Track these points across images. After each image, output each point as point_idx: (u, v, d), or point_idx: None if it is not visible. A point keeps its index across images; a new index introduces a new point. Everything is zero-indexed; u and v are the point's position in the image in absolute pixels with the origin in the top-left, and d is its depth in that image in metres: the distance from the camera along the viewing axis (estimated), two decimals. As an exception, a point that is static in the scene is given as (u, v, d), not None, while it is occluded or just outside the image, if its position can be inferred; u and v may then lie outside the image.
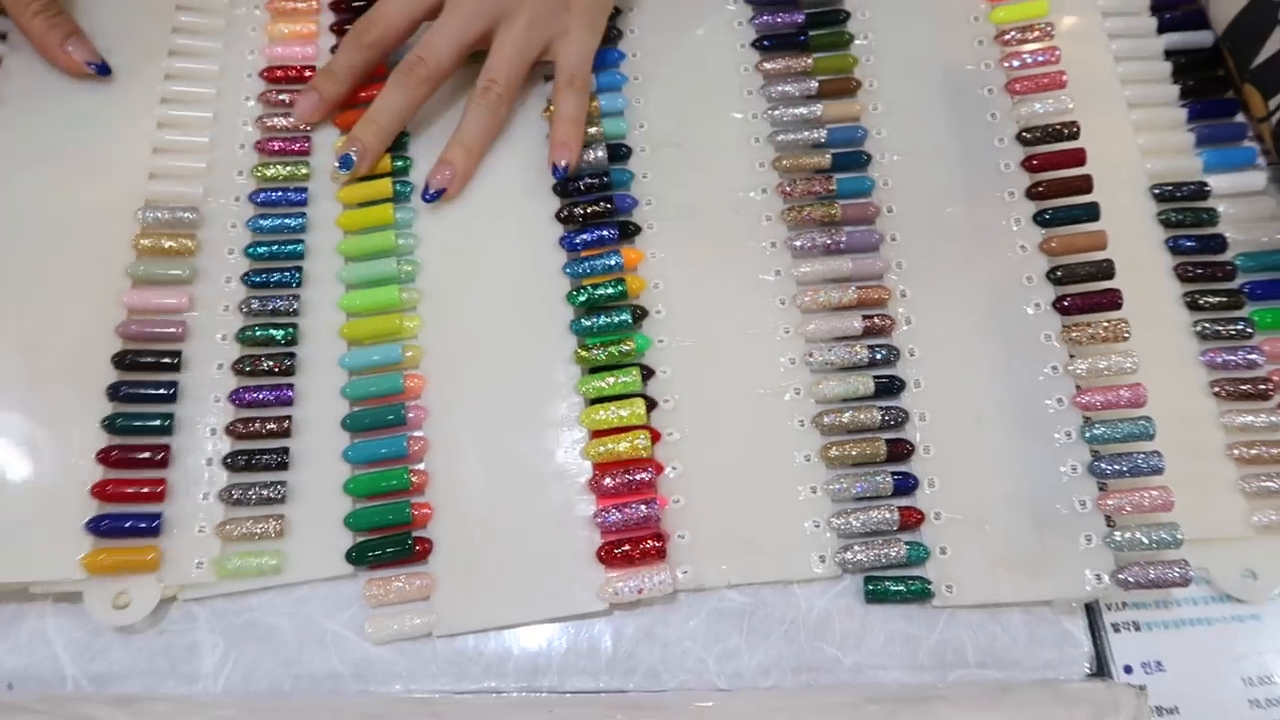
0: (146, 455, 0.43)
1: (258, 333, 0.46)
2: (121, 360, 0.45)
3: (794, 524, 0.43)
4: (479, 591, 0.42)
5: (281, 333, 0.46)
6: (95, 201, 0.48)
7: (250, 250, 0.48)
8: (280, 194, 0.49)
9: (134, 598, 0.42)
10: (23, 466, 0.43)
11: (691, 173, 0.49)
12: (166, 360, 0.45)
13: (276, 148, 0.50)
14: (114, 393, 0.44)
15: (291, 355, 0.45)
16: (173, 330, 0.46)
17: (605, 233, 0.47)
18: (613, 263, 0.46)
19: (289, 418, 0.44)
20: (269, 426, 0.44)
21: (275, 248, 0.48)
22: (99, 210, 0.48)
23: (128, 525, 0.42)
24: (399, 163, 0.49)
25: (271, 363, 0.45)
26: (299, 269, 0.47)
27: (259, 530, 0.42)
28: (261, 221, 0.48)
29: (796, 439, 0.44)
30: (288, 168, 0.49)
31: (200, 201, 0.48)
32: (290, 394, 0.45)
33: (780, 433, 0.44)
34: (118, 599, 0.42)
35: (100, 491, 0.43)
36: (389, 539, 0.42)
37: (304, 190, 0.49)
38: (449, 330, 0.46)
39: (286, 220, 0.48)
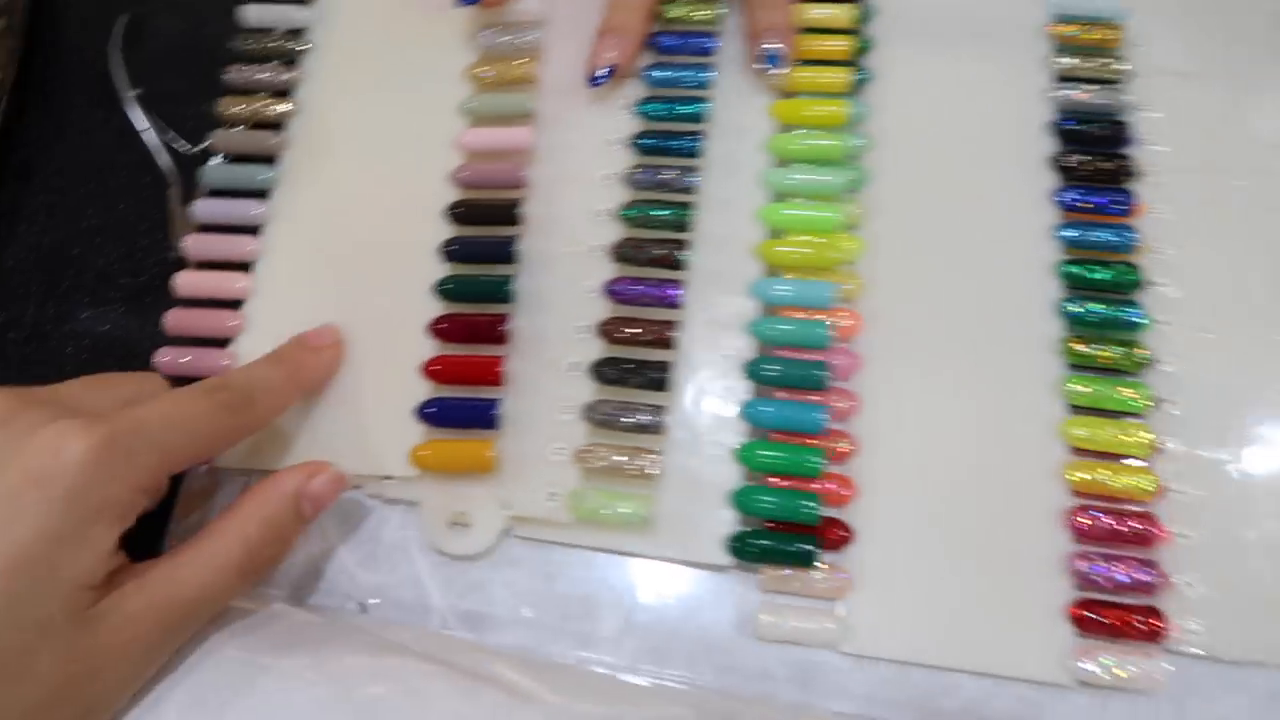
0: (483, 328, 0.34)
1: (648, 211, 0.35)
2: (458, 213, 0.36)
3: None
4: (905, 611, 0.31)
5: (671, 212, 0.35)
6: (425, 34, 0.39)
7: (642, 107, 0.37)
8: (684, 40, 0.38)
9: (475, 520, 0.32)
10: (359, 347, 0.35)
11: (1207, 114, 0.36)
12: (506, 211, 0.36)
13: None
14: (449, 251, 0.35)
15: (680, 245, 0.35)
16: (517, 174, 0.36)
17: (1115, 199, 0.35)
18: (1122, 238, 0.34)
19: (673, 324, 0.34)
20: (650, 333, 0.34)
21: (673, 106, 0.37)
22: (431, 42, 0.39)
23: (461, 413, 0.33)
24: (861, 44, 0.38)
25: (658, 250, 0.34)
26: (698, 135, 0.36)
27: (629, 466, 0.32)
28: (656, 73, 0.37)
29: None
30: (697, 7, 0.38)
31: (545, 16, 0.38)
32: (676, 294, 0.34)
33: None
34: (456, 517, 0.33)
35: (432, 370, 0.34)
36: (786, 539, 0.32)
37: (713, 38, 0.38)
38: (897, 265, 0.35)
39: (690, 73, 0.37)
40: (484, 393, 0.33)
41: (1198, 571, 0.31)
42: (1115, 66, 0.37)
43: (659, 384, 0.33)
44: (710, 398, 0.34)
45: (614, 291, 0.34)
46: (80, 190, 0.40)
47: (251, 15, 0.40)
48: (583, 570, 0.32)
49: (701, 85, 0.37)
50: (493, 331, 0.34)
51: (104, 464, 0.25)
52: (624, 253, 0.35)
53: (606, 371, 0.33)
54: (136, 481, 0.26)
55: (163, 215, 0.39)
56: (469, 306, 0.35)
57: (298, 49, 0.39)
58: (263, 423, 0.31)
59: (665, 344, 0.33)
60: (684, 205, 0.35)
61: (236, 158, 0.39)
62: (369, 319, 0.35)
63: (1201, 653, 0.30)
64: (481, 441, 0.33)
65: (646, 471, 0.32)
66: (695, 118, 0.36)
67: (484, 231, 0.35)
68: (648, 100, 0.37)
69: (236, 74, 0.39)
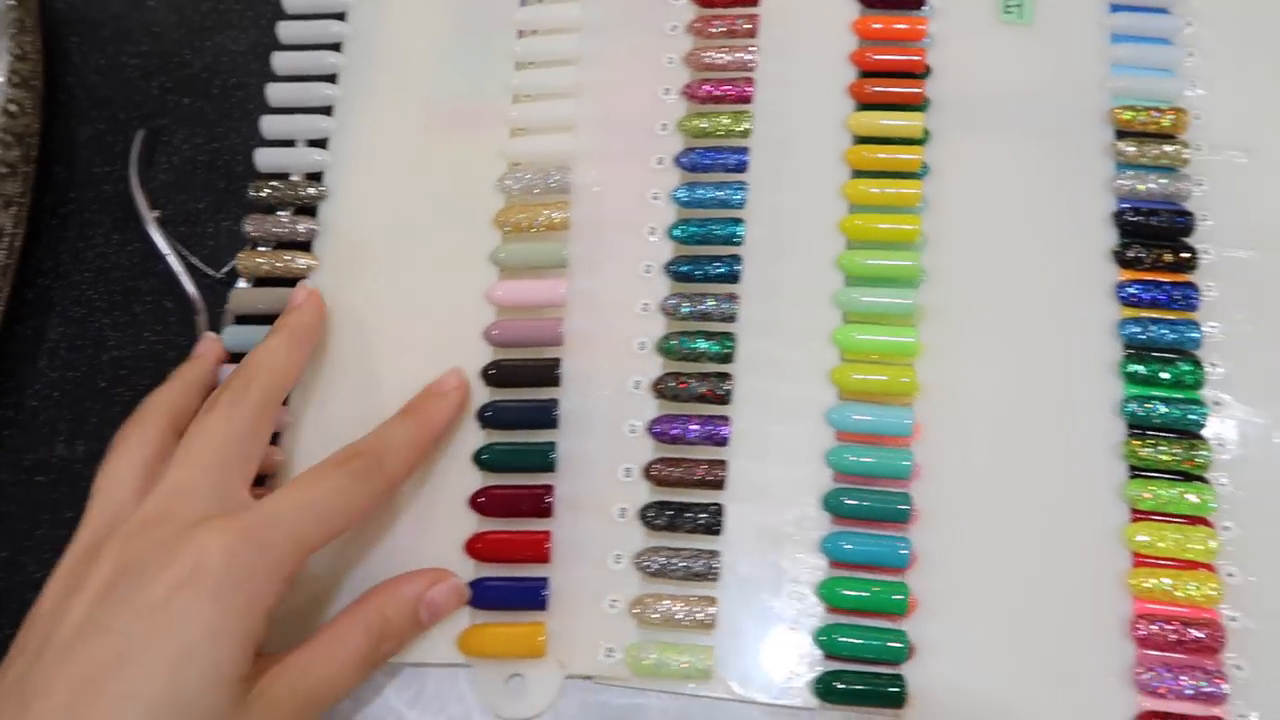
0: (526, 502, 0.33)
1: (685, 344, 0.35)
2: (493, 375, 0.35)
3: None
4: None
5: (714, 345, 0.34)
6: (456, 169, 0.38)
7: (675, 231, 0.36)
8: (713, 155, 0.37)
9: (529, 680, 0.32)
10: (395, 519, 0.34)
11: (1261, 191, 0.36)
12: (545, 372, 0.35)
13: (707, 92, 0.38)
14: (485, 418, 0.34)
15: (726, 377, 0.34)
16: (555, 331, 0.35)
17: (1181, 294, 0.34)
18: (1188, 336, 0.34)
19: (723, 464, 0.33)
20: (698, 474, 0.33)
21: (707, 228, 0.36)
22: (461, 180, 0.38)
23: (511, 594, 0.33)
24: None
25: (703, 387, 0.34)
26: (736, 260, 0.36)
27: (686, 616, 0.32)
28: (689, 192, 0.37)
29: None
30: (724, 120, 0.37)
31: (572, 159, 0.37)
32: (725, 431, 0.34)
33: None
34: (510, 680, 0.32)
35: (474, 548, 0.33)
36: (871, 678, 0.31)
37: (743, 152, 0.37)
38: (954, 365, 0.34)
39: (721, 193, 0.37)
40: (531, 569, 0.33)
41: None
42: (1182, 154, 0.36)
43: (711, 528, 0.32)
44: (782, 529, 0.33)
45: (658, 432, 0.34)
46: (103, 320, 0.39)
47: (273, 126, 0.39)
48: (639, 699, 0.32)
49: (737, 205, 0.36)
50: (537, 505, 0.33)
51: (243, 559, 0.27)
52: (664, 388, 0.34)
53: (655, 517, 0.33)
54: (277, 571, 0.27)
55: (190, 343, 0.39)
56: (510, 476, 0.34)
57: (316, 194, 0.38)
58: (396, 482, 0.32)
59: (716, 484, 0.33)
60: (727, 336, 0.34)
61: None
62: (405, 489, 0.34)
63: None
64: (532, 625, 0.32)
65: (703, 621, 0.32)
66: (731, 239, 0.36)
67: (522, 394, 0.35)
68: (680, 224, 0.36)
69: (256, 225, 0.38)
